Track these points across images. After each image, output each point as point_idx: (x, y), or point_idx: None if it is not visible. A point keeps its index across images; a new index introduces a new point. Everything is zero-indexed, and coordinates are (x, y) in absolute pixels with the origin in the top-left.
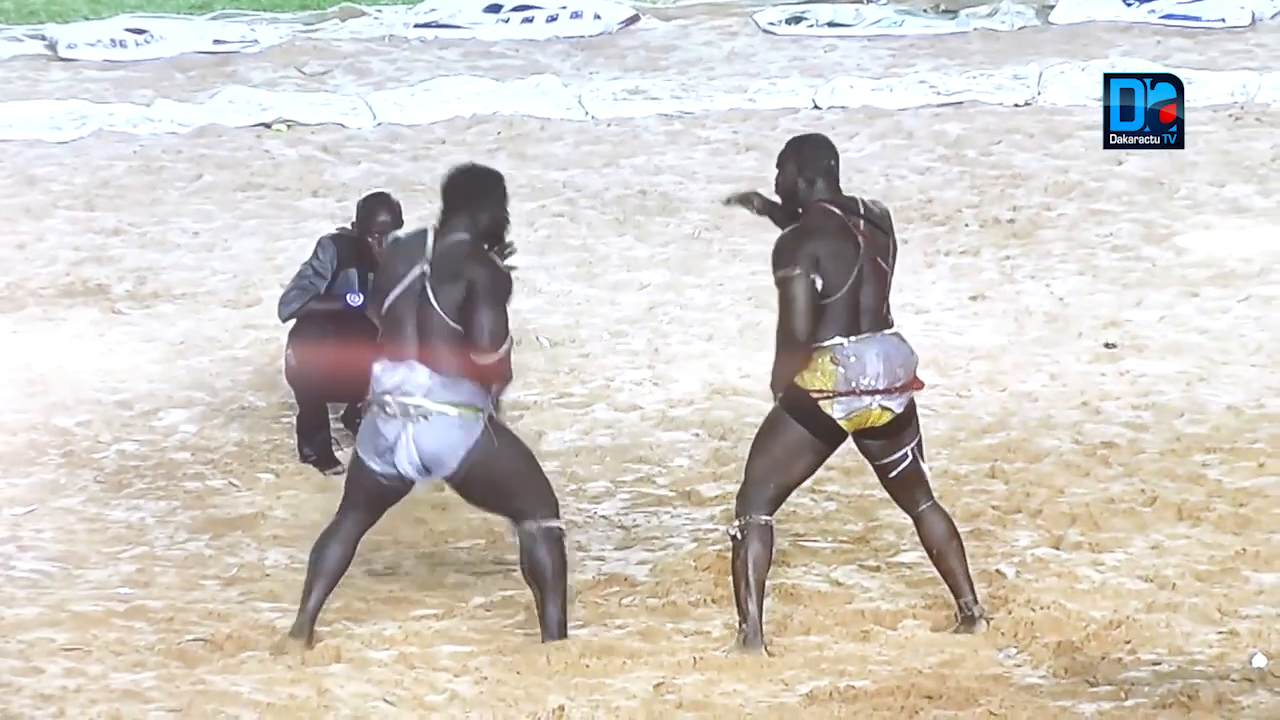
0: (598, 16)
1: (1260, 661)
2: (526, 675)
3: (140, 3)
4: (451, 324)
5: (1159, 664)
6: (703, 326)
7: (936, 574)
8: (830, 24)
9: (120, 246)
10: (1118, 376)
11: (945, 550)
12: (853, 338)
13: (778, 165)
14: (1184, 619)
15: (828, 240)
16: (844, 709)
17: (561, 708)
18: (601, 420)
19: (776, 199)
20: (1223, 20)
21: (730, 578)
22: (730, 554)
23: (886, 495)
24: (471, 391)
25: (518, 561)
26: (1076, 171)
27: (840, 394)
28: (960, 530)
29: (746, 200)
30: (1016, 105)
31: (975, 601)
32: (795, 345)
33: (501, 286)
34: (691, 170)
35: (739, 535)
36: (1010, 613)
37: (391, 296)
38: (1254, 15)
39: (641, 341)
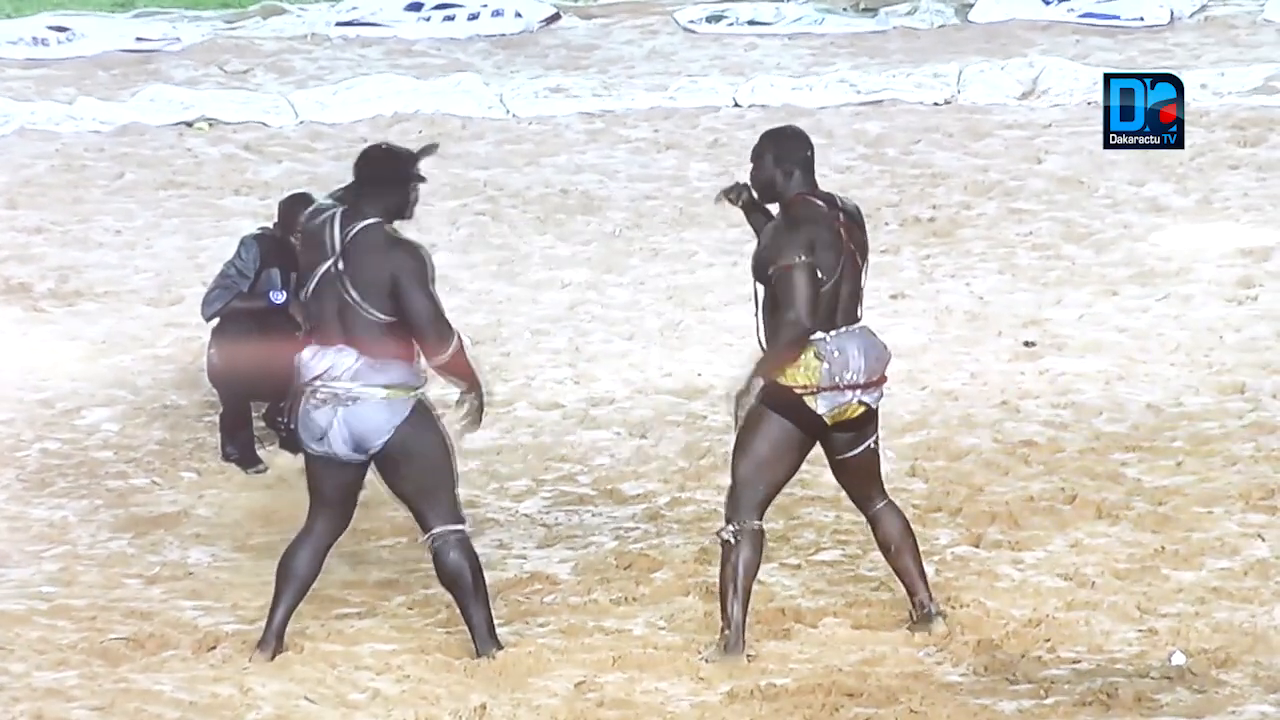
0: (519, 15)
1: (1179, 659)
2: (448, 674)
3: (62, 1)
4: (373, 315)
5: (1078, 662)
6: (624, 325)
7: (857, 572)
8: (750, 22)
9: (42, 245)
10: (1037, 375)
11: (901, 548)
12: (833, 332)
13: (753, 158)
14: (1103, 617)
15: (818, 230)
16: (765, 707)
17: (484, 706)
18: (523, 419)
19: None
20: (1141, 19)
21: (718, 582)
22: (720, 557)
23: (808, 493)
24: (401, 373)
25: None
26: (996, 170)
27: (824, 389)
28: None
29: (736, 192)
30: (936, 104)
31: (931, 599)
32: (801, 335)
33: (423, 271)
34: (613, 169)
35: (732, 540)
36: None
37: (310, 287)
38: (1173, 14)
39: (563, 340)
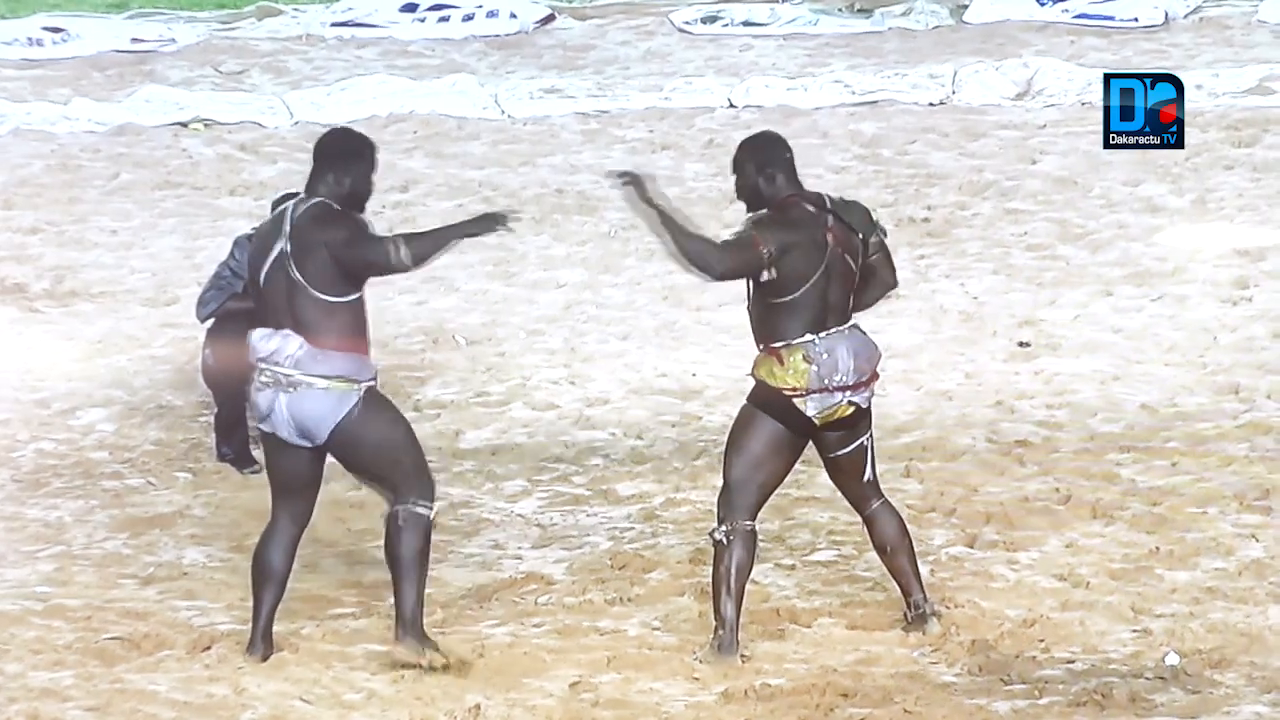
0: (514, 16)
1: (1174, 659)
2: (443, 674)
3: (58, 1)
4: (320, 296)
5: (1073, 662)
6: (619, 325)
7: (852, 572)
8: (746, 23)
9: (38, 245)
10: (1032, 375)
11: (897, 549)
12: (822, 334)
13: (735, 169)
14: (1098, 617)
15: (798, 231)
16: (760, 707)
17: (478, 706)
18: (519, 419)
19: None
20: (1136, 20)
21: (711, 583)
22: (713, 558)
23: (803, 494)
24: (344, 365)
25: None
26: (991, 171)
27: (813, 391)
28: None
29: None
30: (932, 104)
31: (926, 599)
32: (699, 263)
33: (361, 230)
34: (608, 169)
35: (724, 541)
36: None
37: (263, 272)
38: (1167, 14)
39: (558, 340)
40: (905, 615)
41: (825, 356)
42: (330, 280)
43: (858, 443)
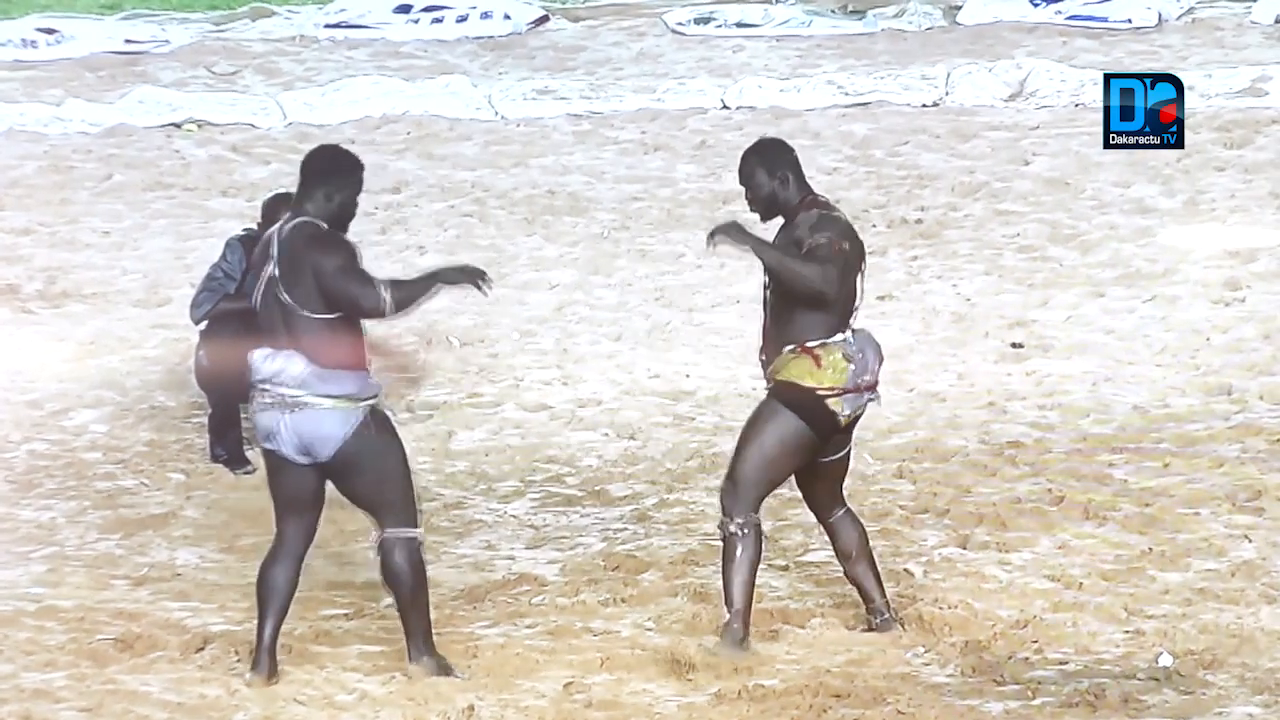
0: (507, 17)
1: (1166, 660)
2: (436, 674)
3: (50, 2)
4: (314, 317)
5: (1065, 663)
6: (611, 326)
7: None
8: (738, 24)
9: (30, 246)
10: (1024, 376)
11: (860, 556)
12: (853, 333)
13: (744, 181)
14: (1090, 618)
15: (848, 227)
16: (752, 708)
17: (471, 707)
18: (511, 420)
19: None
20: (1129, 21)
21: (722, 574)
22: (723, 551)
23: (795, 495)
24: (350, 383)
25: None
26: (983, 172)
27: (849, 391)
28: (868, 530)
29: (734, 236)
30: (924, 106)
31: (888, 606)
32: (809, 278)
33: (352, 261)
34: (600, 170)
35: (739, 533)
36: (918, 612)
37: (257, 293)
38: (1160, 16)
39: (550, 341)
40: (868, 623)
41: (860, 355)
42: (321, 301)
43: (849, 447)
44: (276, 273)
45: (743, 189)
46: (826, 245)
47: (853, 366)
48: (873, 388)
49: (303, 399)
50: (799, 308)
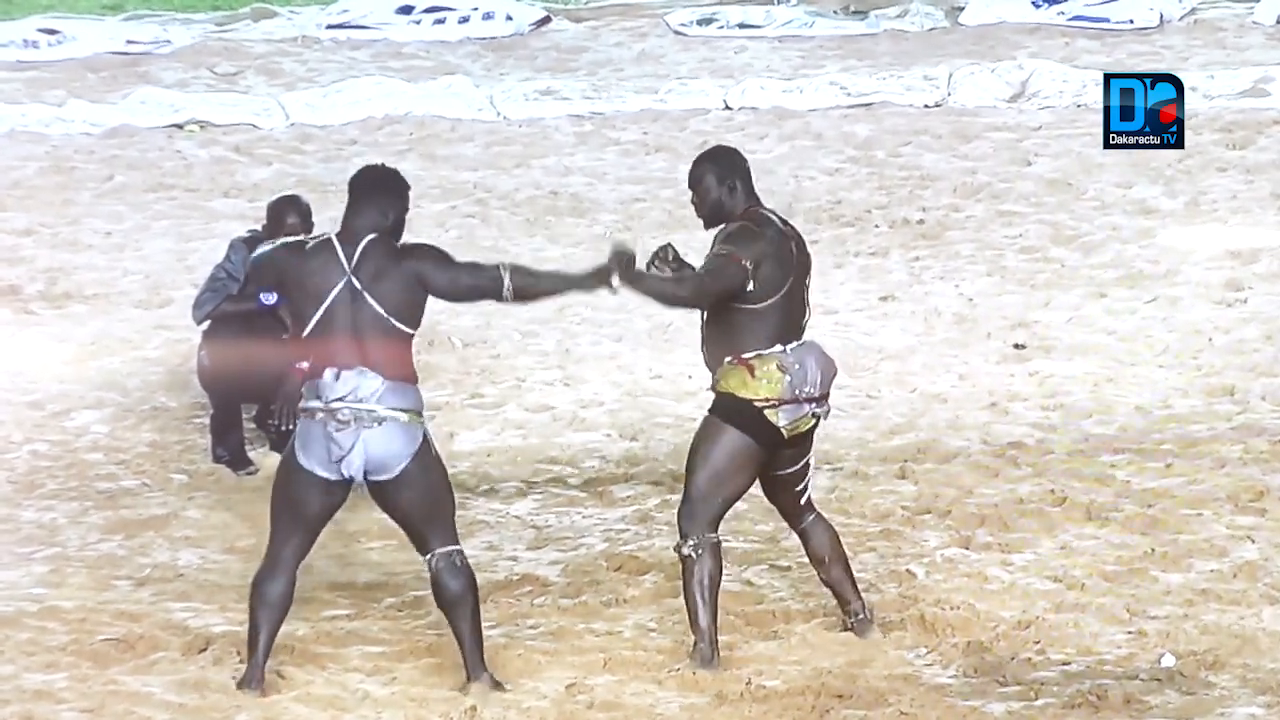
0: (509, 18)
1: (1168, 661)
2: (438, 675)
3: (52, 3)
4: (397, 325)
5: (1068, 664)
6: (612, 327)
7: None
8: (740, 25)
9: (32, 247)
10: (1026, 377)
11: (833, 560)
12: (792, 345)
13: (692, 185)
14: (1092, 619)
15: (768, 240)
16: (754, 709)
17: (474, 708)
18: (513, 420)
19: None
20: (1131, 22)
21: (684, 598)
22: (682, 573)
23: None
24: (417, 398)
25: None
26: (985, 173)
27: (786, 402)
28: (869, 530)
29: (663, 256)
30: (926, 106)
31: (864, 607)
32: (683, 300)
33: (449, 257)
34: (602, 171)
35: (693, 555)
36: (920, 613)
37: (321, 310)
38: (1162, 16)
39: (552, 342)
40: (846, 624)
41: (797, 367)
42: (412, 311)
43: (805, 460)
44: (357, 284)
45: (690, 192)
46: (724, 258)
47: (788, 378)
48: (819, 400)
49: (382, 413)
50: (735, 318)
